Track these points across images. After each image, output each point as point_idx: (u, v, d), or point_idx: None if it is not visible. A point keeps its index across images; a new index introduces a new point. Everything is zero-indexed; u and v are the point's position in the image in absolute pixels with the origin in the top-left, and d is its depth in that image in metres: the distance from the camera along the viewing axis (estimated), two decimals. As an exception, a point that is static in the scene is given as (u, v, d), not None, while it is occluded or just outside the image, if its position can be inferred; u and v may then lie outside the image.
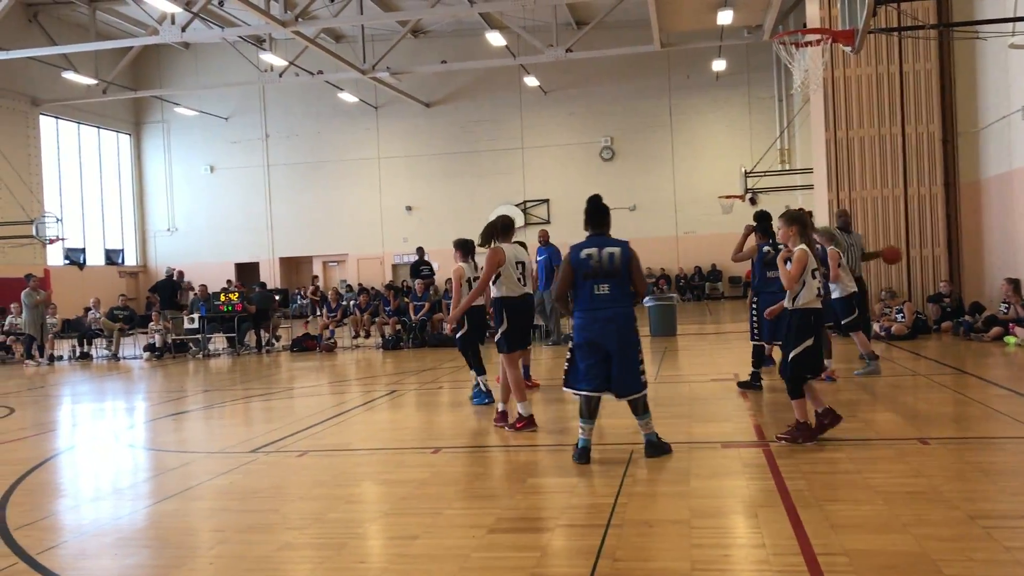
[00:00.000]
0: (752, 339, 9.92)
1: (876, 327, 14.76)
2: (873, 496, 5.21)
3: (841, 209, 12.26)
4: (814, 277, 6.84)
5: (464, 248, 9.61)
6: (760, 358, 9.88)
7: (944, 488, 5.31)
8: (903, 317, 14.51)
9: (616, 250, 6.50)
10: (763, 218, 9.72)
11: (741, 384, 9.80)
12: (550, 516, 5.26)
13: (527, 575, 4.18)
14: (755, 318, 9.74)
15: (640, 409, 6.58)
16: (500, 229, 8.30)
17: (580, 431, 6.55)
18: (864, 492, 5.32)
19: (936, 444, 6.58)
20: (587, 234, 6.68)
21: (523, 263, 8.42)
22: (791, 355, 6.81)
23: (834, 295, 10.15)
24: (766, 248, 9.44)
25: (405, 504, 5.71)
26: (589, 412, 6.53)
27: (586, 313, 6.52)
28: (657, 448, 6.57)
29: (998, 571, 3.93)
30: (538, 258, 15.34)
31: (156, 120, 36.66)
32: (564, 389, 6.72)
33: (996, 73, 15.00)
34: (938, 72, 16.05)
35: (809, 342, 6.79)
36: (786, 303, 6.98)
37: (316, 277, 28.69)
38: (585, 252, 6.52)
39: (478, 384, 9.54)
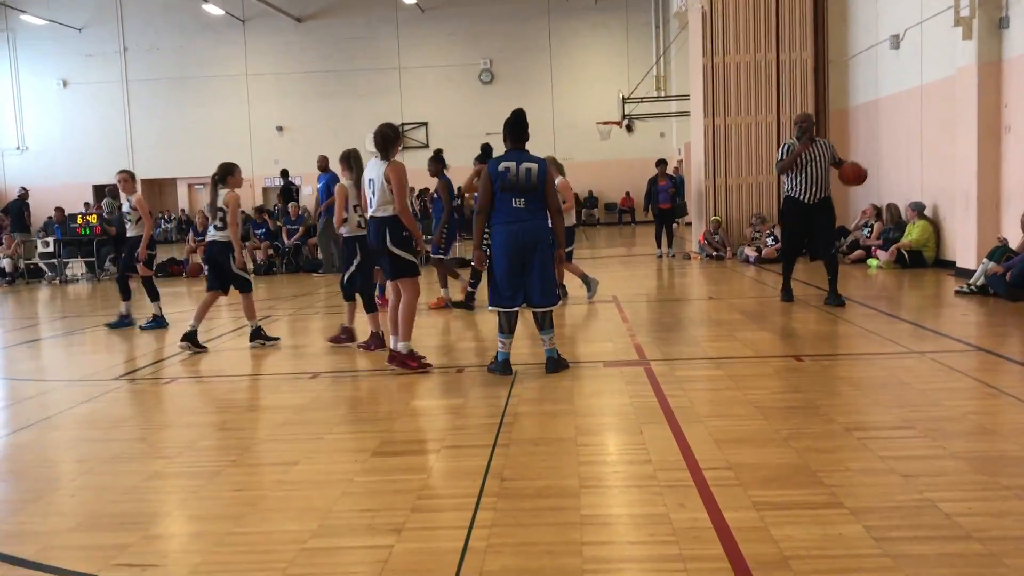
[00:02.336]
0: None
1: (748, 251, 15.18)
2: (753, 411, 5.30)
3: (801, 114, 10.09)
4: (355, 211, 8.16)
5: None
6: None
7: (820, 403, 5.45)
8: (774, 241, 14.94)
9: (533, 166, 6.54)
10: (487, 149, 10.63)
11: (455, 304, 10.64)
12: (435, 438, 5.14)
13: (414, 497, 4.05)
14: (486, 244, 10.24)
15: (547, 323, 6.69)
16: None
17: (500, 345, 6.69)
18: (744, 408, 5.41)
19: (810, 361, 6.78)
20: (505, 148, 6.69)
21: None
22: (345, 276, 8.34)
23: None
24: None
25: (283, 430, 5.48)
26: (509, 327, 6.68)
27: (504, 226, 6.55)
28: (557, 364, 6.71)
29: (874, 479, 4.03)
30: (318, 184, 15.61)
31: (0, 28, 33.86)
32: (489, 308, 6.78)
33: (866, 3, 15.35)
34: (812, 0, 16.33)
35: (355, 265, 8.23)
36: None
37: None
38: (503, 165, 6.53)
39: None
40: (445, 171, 10.93)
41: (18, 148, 34.33)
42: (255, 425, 5.75)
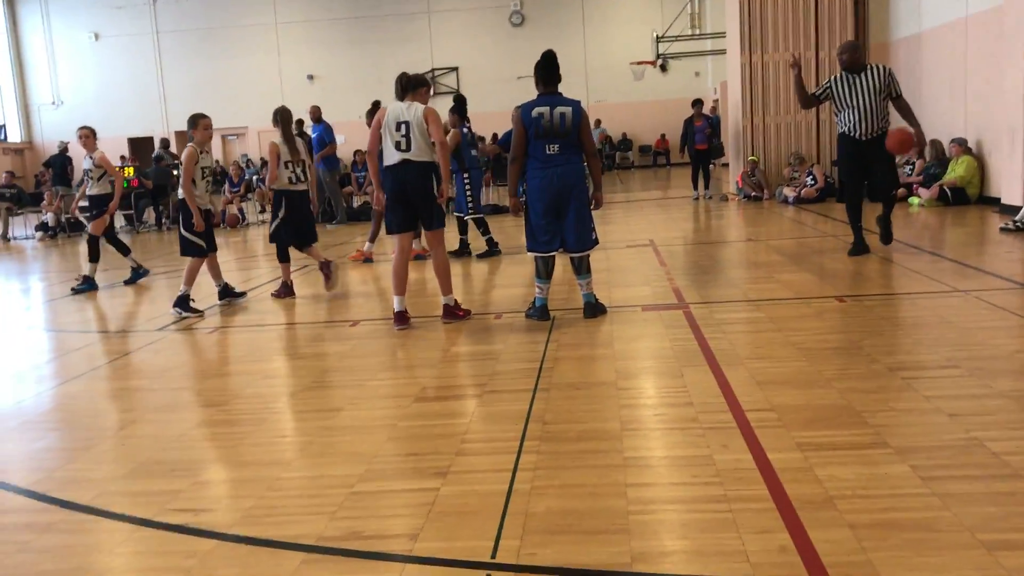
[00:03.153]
0: (460, 213, 10.79)
1: (787, 191, 14.96)
2: (795, 353, 5.26)
3: (847, 42, 8.97)
4: (286, 167, 8.48)
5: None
6: (466, 229, 10.97)
7: (863, 343, 5.40)
8: (813, 181, 14.71)
9: (568, 110, 6.42)
10: (460, 100, 10.63)
11: (456, 253, 10.72)
12: (476, 383, 5.17)
13: (458, 441, 4.09)
14: (469, 194, 10.57)
15: (584, 268, 6.68)
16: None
17: (538, 291, 6.68)
18: (786, 349, 5.37)
19: (851, 302, 6.70)
20: (538, 93, 6.55)
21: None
22: (272, 227, 8.72)
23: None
24: (465, 130, 10.50)
25: (326, 377, 5.55)
26: (547, 272, 6.66)
27: (540, 171, 6.47)
28: (595, 309, 6.70)
29: (919, 419, 4.00)
30: (312, 135, 15.66)
31: (30, -18, 33.90)
32: (528, 253, 6.75)
33: (908, -69, 14.85)
34: (852, -70, 15.82)
35: (279, 218, 8.58)
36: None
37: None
38: (536, 111, 6.41)
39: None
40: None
41: (53, 103, 34.54)
42: (298, 373, 5.82)
